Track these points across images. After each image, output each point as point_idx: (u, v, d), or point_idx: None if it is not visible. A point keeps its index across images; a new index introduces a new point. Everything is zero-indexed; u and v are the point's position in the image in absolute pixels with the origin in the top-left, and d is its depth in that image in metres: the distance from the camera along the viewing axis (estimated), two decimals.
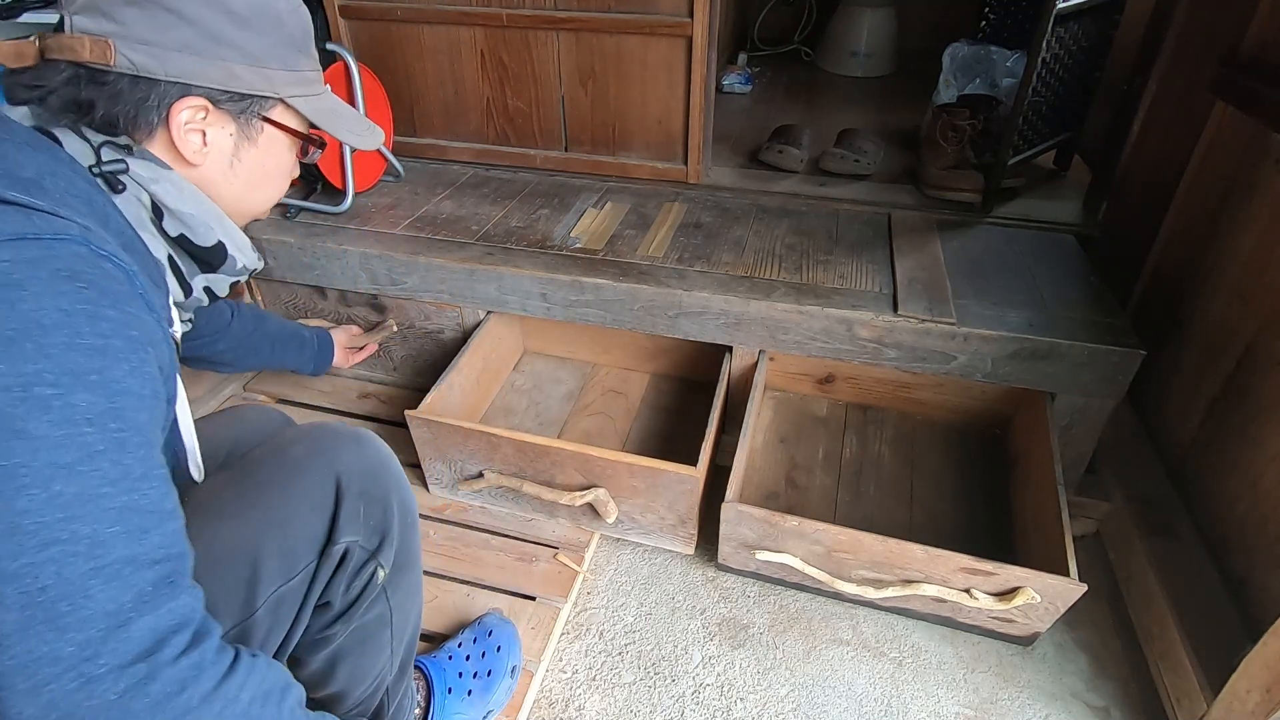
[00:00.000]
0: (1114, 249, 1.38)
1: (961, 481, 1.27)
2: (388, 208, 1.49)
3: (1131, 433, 1.29)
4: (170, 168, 0.61)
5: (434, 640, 1.04)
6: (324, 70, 1.45)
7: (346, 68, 1.41)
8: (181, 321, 0.66)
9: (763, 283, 1.23)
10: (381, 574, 0.69)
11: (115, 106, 0.58)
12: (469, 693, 0.94)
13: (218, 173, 0.65)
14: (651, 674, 1.04)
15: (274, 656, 0.65)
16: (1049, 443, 1.11)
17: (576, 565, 1.15)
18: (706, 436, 1.13)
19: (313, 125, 0.71)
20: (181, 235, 0.63)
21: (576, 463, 1.11)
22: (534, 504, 1.21)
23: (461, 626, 1.03)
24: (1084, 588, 0.92)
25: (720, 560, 1.15)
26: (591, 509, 1.17)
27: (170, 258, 0.64)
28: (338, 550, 0.65)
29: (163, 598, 0.44)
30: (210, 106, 0.61)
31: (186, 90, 0.60)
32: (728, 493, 1.06)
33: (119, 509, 0.44)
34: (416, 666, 0.92)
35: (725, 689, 1.02)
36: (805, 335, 1.20)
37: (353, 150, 1.46)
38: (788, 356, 1.35)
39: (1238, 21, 1.12)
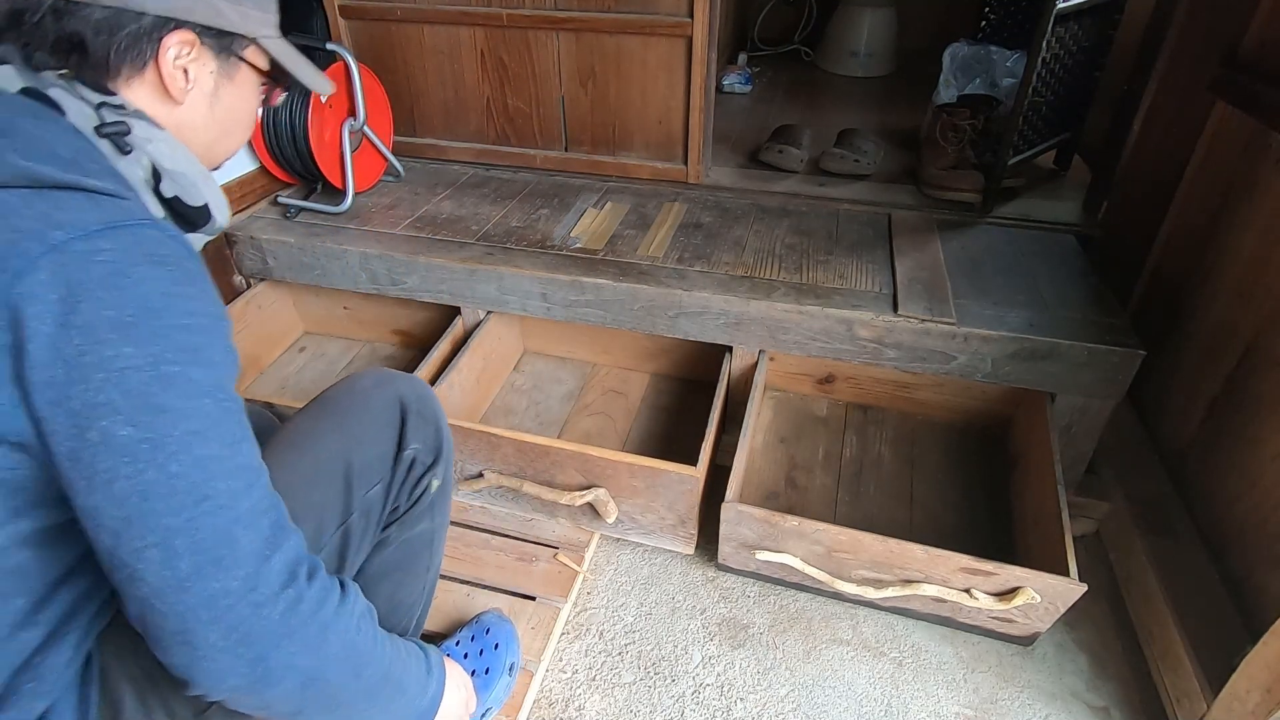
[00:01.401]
0: (1114, 249, 1.38)
1: (961, 481, 1.27)
2: (388, 208, 1.49)
3: (1131, 433, 1.29)
4: (163, 129, 0.61)
5: (433, 639, 1.04)
6: (324, 70, 1.45)
7: (346, 68, 1.41)
8: None
9: (763, 283, 1.23)
10: (435, 484, 0.79)
11: (106, 39, 0.57)
12: None
13: (199, 114, 0.65)
14: (651, 674, 1.04)
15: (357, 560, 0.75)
16: (1049, 443, 1.11)
17: (576, 565, 1.15)
18: (706, 436, 1.13)
19: (278, 69, 0.71)
20: (175, 197, 0.63)
21: (576, 463, 1.11)
22: (534, 504, 1.21)
23: (460, 626, 1.03)
24: (1084, 588, 0.92)
25: (720, 560, 1.15)
26: (591, 509, 1.17)
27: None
28: (406, 456, 0.75)
29: (280, 537, 0.53)
30: (197, 42, 0.61)
31: (175, 24, 0.59)
32: (728, 493, 1.06)
33: (236, 468, 0.51)
34: None
35: (725, 689, 1.02)
36: (805, 335, 1.20)
37: (352, 150, 1.46)
38: (788, 356, 1.35)
39: (1238, 21, 1.12)
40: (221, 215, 0.70)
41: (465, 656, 0.97)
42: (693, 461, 1.08)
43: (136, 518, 0.47)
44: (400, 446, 0.75)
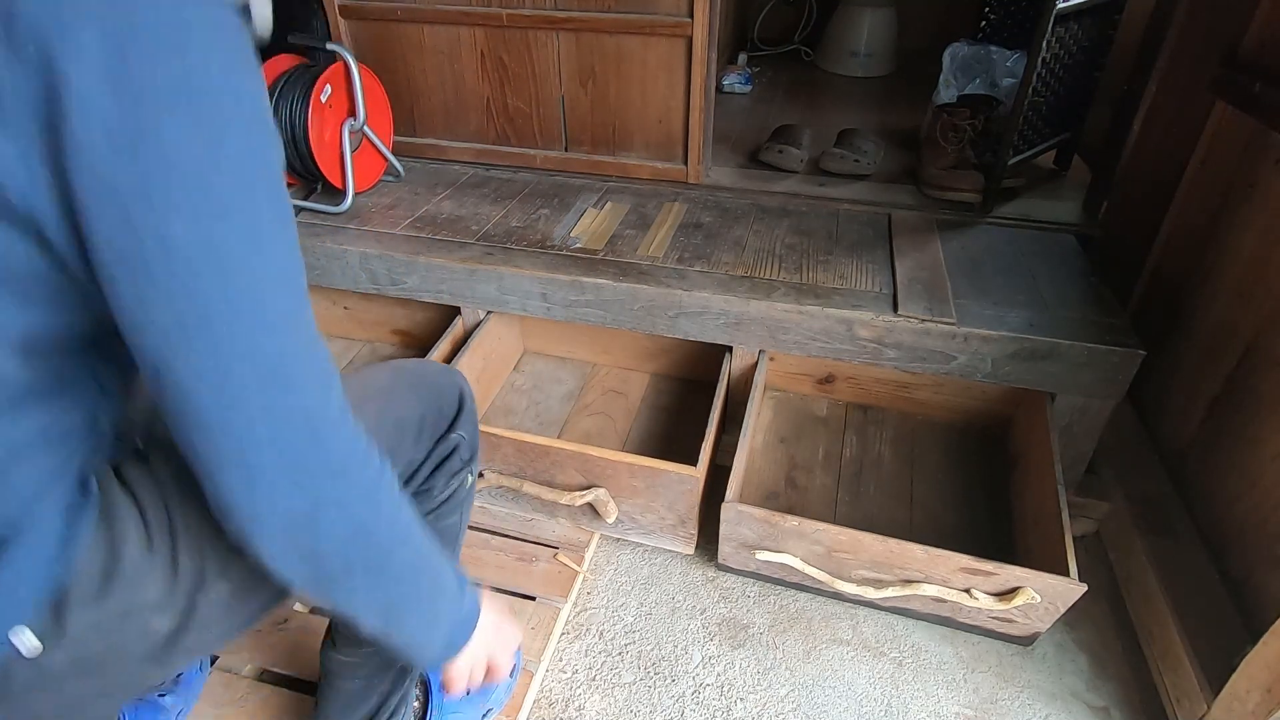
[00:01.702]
0: (1114, 249, 1.38)
1: (961, 481, 1.27)
2: (388, 208, 1.49)
3: (1131, 433, 1.29)
4: None
5: None
6: (324, 70, 1.45)
7: (346, 68, 1.41)
8: None
9: (763, 283, 1.23)
10: (470, 480, 0.80)
11: None
12: (467, 691, 0.93)
13: None
14: (651, 674, 1.04)
15: None
16: (1049, 443, 1.11)
17: (576, 565, 1.15)
18: (706, 436, 1.13)
19: None
20: None
21: (576, 463, 1.11)
22: (534, 504, 1.21)
23: None
24: (1084, 588, 0.92)
25: (720, 560, 1.15)
26: (591, 509, 1.17)
27: None
28: (453, 439, 0.75)
29: (335, 374, 0.50)
30: None
31: None
32: (728, 493, 1.06)
33: (298, 287, 0.47)
34: None
35: (725, 689, 1.02)
36: (805, 335, 1.20)
37: (352, 150, 1.46)
38: (788, 356, 1.35)
39: (1238, 21, 1.12)
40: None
41: None
42: (693, 461, 1.08)
43: (196, 331, 0.42)
44: (450, 428, 0.75)
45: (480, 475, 1.19)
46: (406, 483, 0.72)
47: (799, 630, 1.10)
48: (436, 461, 0.74)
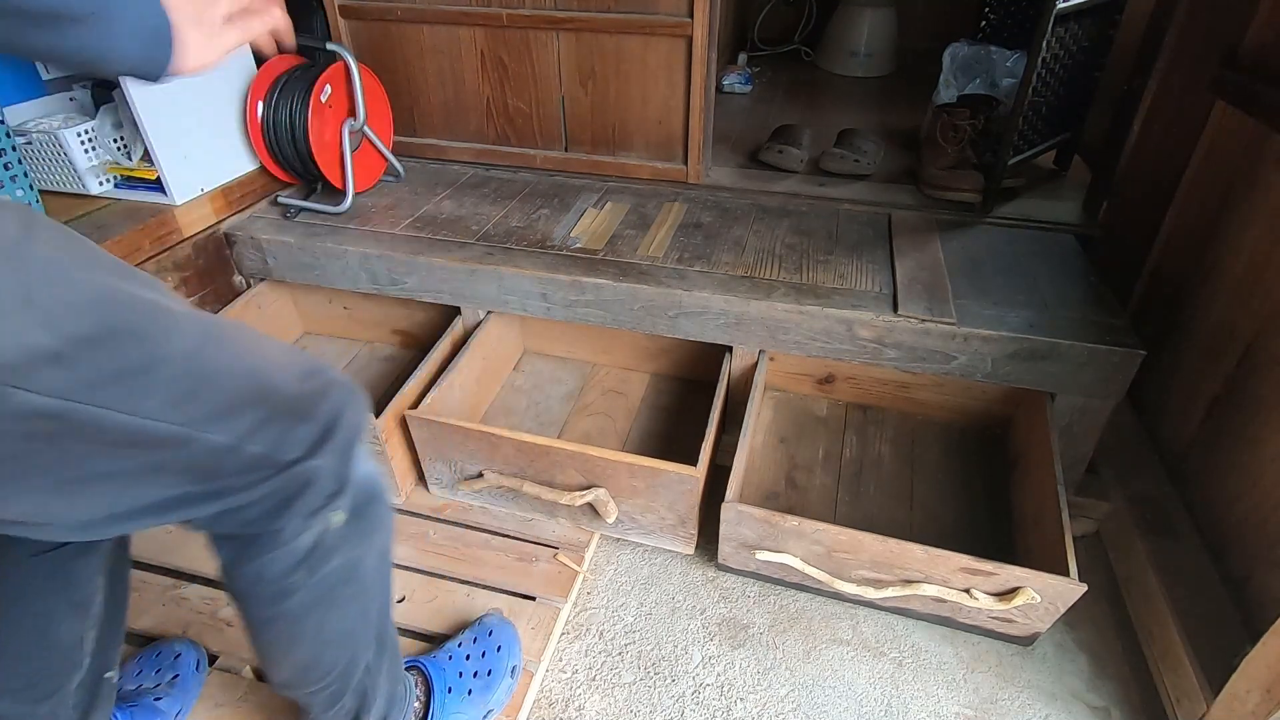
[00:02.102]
0: (1114, 249, 1.38)
1: (961, 481, 1.27)
2: (388, 208, 1.49)
3: (1131, 433, 1.29)
4: None
5: (434, 640, 1.04)
6: (324, 70, 1.45)
7: (346, 68, 1.41)
8: None
9: (763, 283, 1.23)
10: (336, 518, 0.64)
11: None
12: (469, 692, 0.93)
13: None
14: (651, 674, 1.04)
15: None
16: (1049, 443, 1.11)
17: (576, 565, 1.15)
18: (706, 436, 1.13)
19: None
20: None
21: (576, 463, 1.11)
22: (534, 504, 1.21)
23: (462, 627, 1.03)
24: (1084, 588, 0.92)
25: (720, 560, 1.15)
26: (591, 509, 1.17)
27: None
28: (306, 470, 0.58)
29: None
30: None
31: None
32: (728, 493, 1.06)
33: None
34: (416, 666, 0.92)
35: (725, 689, 1.02)
36: (805, 335, 1.20)
37: (352, 150, 1.46)
38: (788, 356, 1.35)
39: (1238, 22, 1.12)
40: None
41: (467, 658, 0.97)
42: (693, 461, 1.08)
43: None
44: (307, 456, 0.59)
45: (480, 475, 1.19)
46: (221, 515, 0.58)
47: (799, 630, 1.10)
48: (281, 498, 0.59)
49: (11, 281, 0.46)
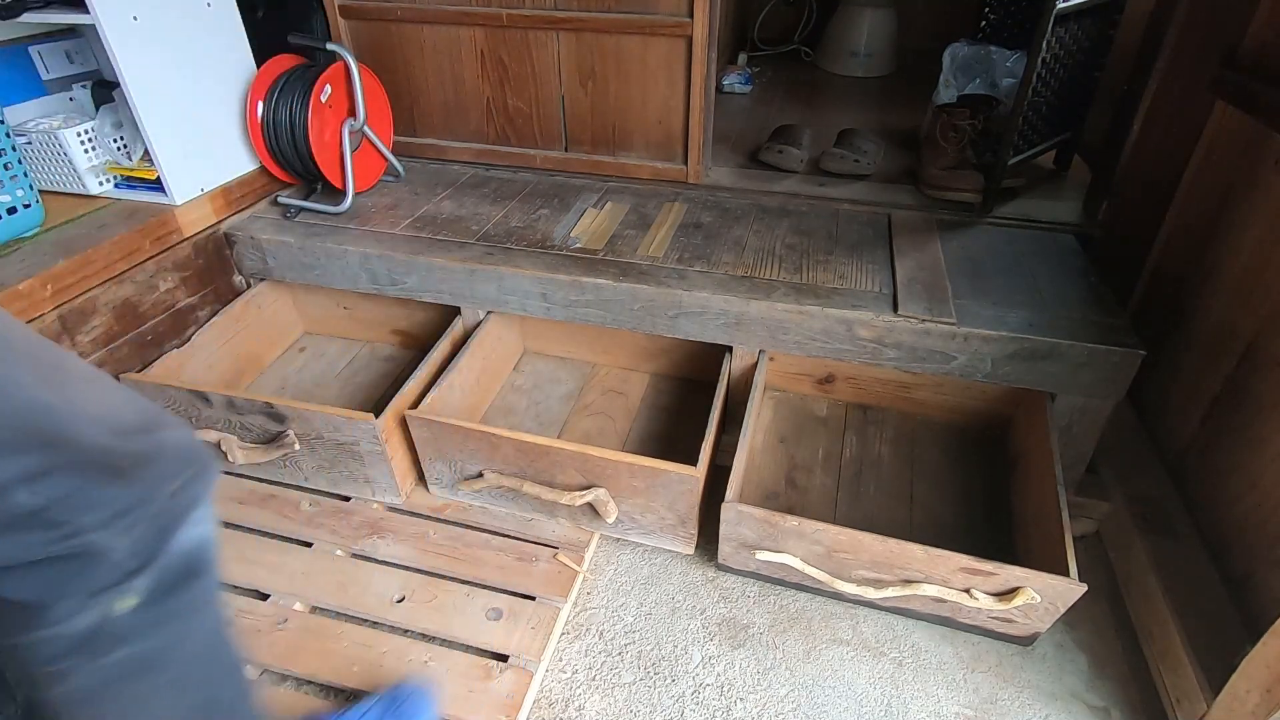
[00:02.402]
0: (1114, 249, 1.38)
1: (961, 481, 1.27)
2: (388, 208, 1.49)
3: (1131, 433, 1.29)
4: None
5: (351, 697, 0.98)
6: (324, 70, 1.45)
7: (346, 68, 1.41)
8: None
9: (763, 283, 1.23)
10: (123, 603, 0.52)
11: None
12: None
13: None
14: (651, 674, 1.04)
15: None
16: (1049, 443, 1.11)
17: (576, 565, 1.15)
18: (706, 436, 1.13)
19: None
20: None
21: (576, 463, 1.11)
22: (534, 504, 1.21)
23: (374, 688, 0.96)
24: (1084, 588, 0.92)
25: (720, 560, 1.15)
26: (591, 509, 1.17)
27: None
28: (98, 540, 0.49)
29: None
30: None
31: None
32: (728, 493, 1.06)
33: None
34: None
35: (725, 689, 1.02)
36: (805, 335, 1.20)
37: (352, 150, 1.46)
38: (788, 356, 1.35)
39: (1238, 22, 1.12)
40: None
41: None
42: (693, 461, 1.08)
43: None
44: (100, 526, 0.49)
45: (480, 475, 1.19)
46: None
47: (799, 630, 1.10)
48: (55, 569, 0.49)
49: None
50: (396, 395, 1.21)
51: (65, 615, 0.50)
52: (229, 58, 1.40)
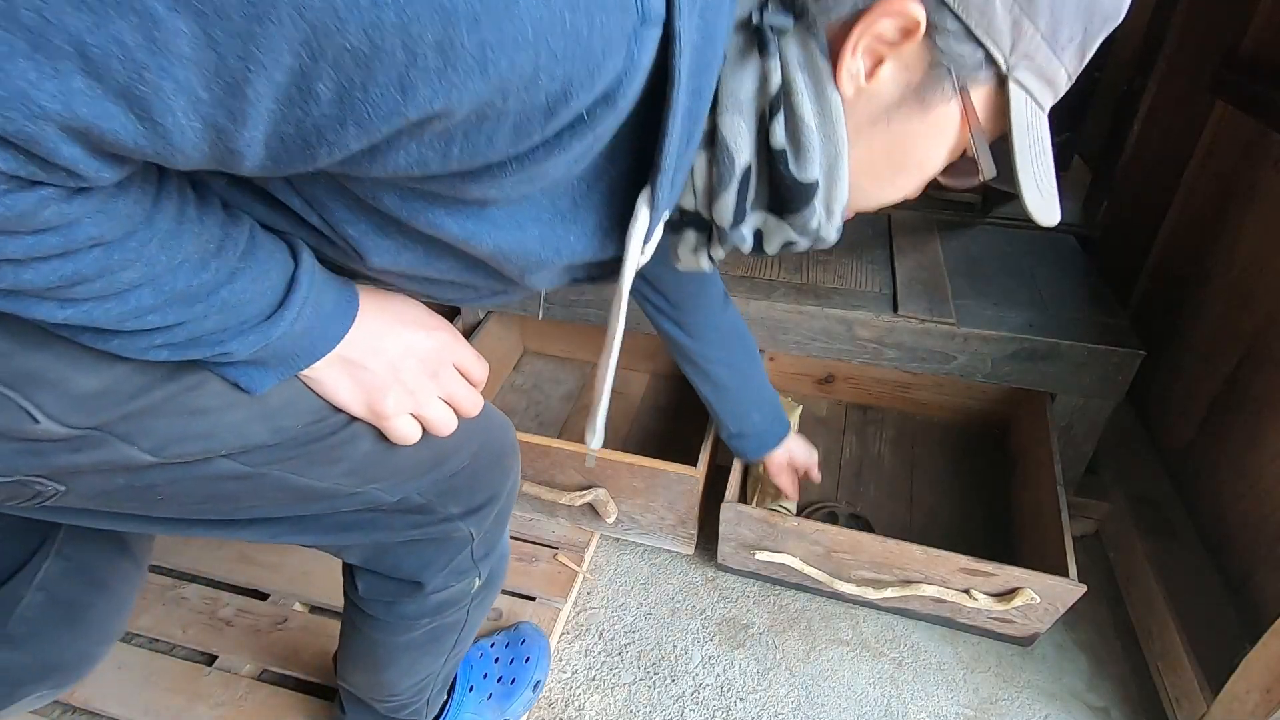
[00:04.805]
0: (1114, 249, 1.38)
1: (961, 481, 1.27)
2: None
3: (1131, 433, 1.29)
4: (832, 70, 0.42)
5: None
6: None
7: None
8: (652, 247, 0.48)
9: (763, 283, 1.23)
10: (477, 583, 0.70)
11: None
12: (489, 696, 0.93)
13: (856, 124, 0.44)
14: (651, 674, 1.04)
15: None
16: (1049, 443, 1.11)
17: (576, 565, 1.15)
18: (706, 436, 1.13)
19: (1001, 148, 0.47)
20: (782, 151, 0.43)
21: (576, 463, 1.11)
22: (534, 504, 1.21)
23: (496, 630, 1.03)
24: (1083, 588, 0.92)
25: (720, 560, 1.15)
26: (591, 509, 1.17)
27: (748, 169, 0.45)
28: (465, 527, 0.63)
29: None
30: (920, 31, 0.39)
31: None
32: (727, 493, 1.06)
33: None
34: None
35: (725, 689, 1.02)
36: (805, 335, 1.20)
37: None
38: (788, 356, 1.35)
39: (1238, 22, 1.12)
40: (828, 224, 0.48)
41: (495, 660, 0.97)
42: (693, 461, 1.08)
43: None
44: (468, 513, 0.63)
45: None
46: (375, 556, 0.64)
47: (799, 630, 1.10)
48: (434, 552, 0.64)
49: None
50: None
51: (435, 589, 0.65)
52: None
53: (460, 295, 0.53)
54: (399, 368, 0.51)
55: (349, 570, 0.69)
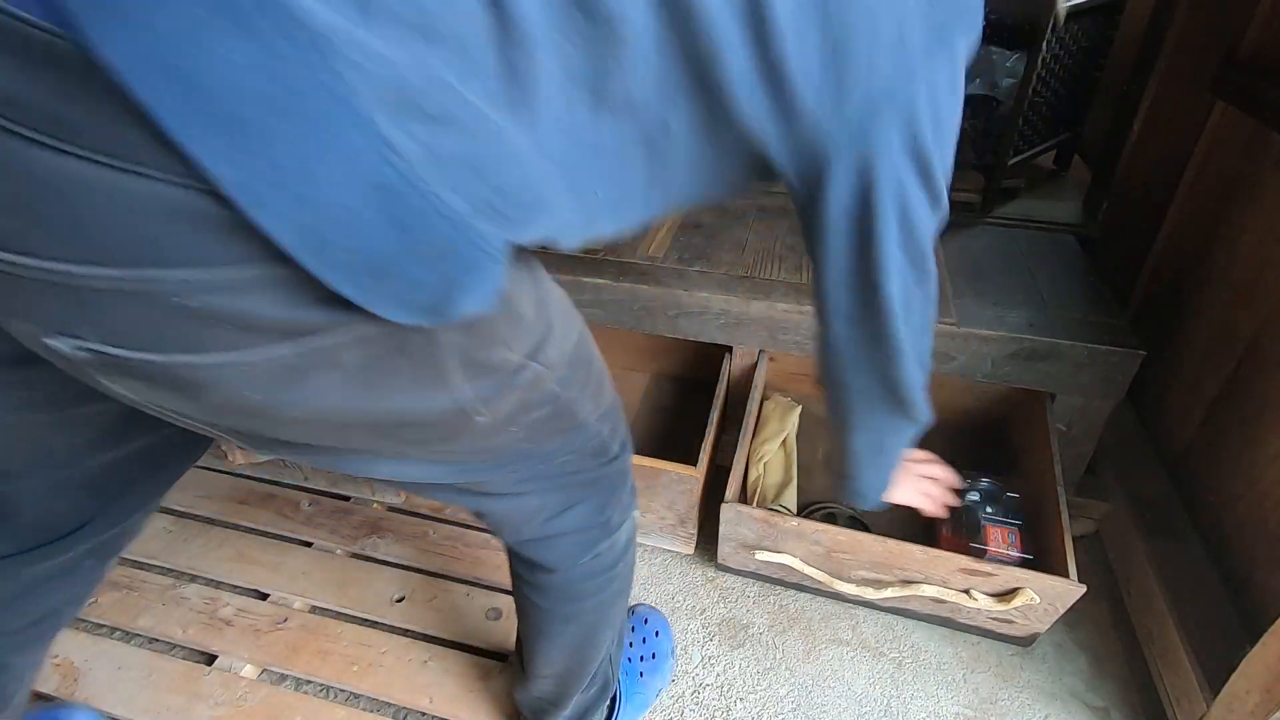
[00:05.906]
0: (1114, 249, 1.38)
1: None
2: None
3: (1131, 433, 1.29)
4: None
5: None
6: None
7: None
8: None
9: (763, 283, 1.23)
10: (637, 515, 0.78)
11: None
12: (641, 675, 0.99)
13: None
14: None
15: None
16: (1049, 443, 1.11)
17: None
18: (706, 436, 1.13)
19: None
20: None
21: None
22: None
23: None
24: (1083, 588, 0.92)
25: (720, 560, 1.15)
26: None
27: None
28: (627, 461, 0.71)
29: None
30: None
31: None
32: (727, 493, 1.06)
33: None
34: None
35: (725, 689, 1.02)
36: (805, 335, 1.20)
37: None
38: (788, 356, 1.35)
39: (1238, 22, 1.12)
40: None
41: (631, 645, 1.01)
42: (693, 461, 1.08)
43: None
44: (622, 452, 0.71)
45: None
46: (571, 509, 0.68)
47: (799, 630, 1.10)
48: (610, 486, 0.70)
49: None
50: None
51: (617, 524, 0.71)
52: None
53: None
54: None
55: (546, 555, 0.71)
